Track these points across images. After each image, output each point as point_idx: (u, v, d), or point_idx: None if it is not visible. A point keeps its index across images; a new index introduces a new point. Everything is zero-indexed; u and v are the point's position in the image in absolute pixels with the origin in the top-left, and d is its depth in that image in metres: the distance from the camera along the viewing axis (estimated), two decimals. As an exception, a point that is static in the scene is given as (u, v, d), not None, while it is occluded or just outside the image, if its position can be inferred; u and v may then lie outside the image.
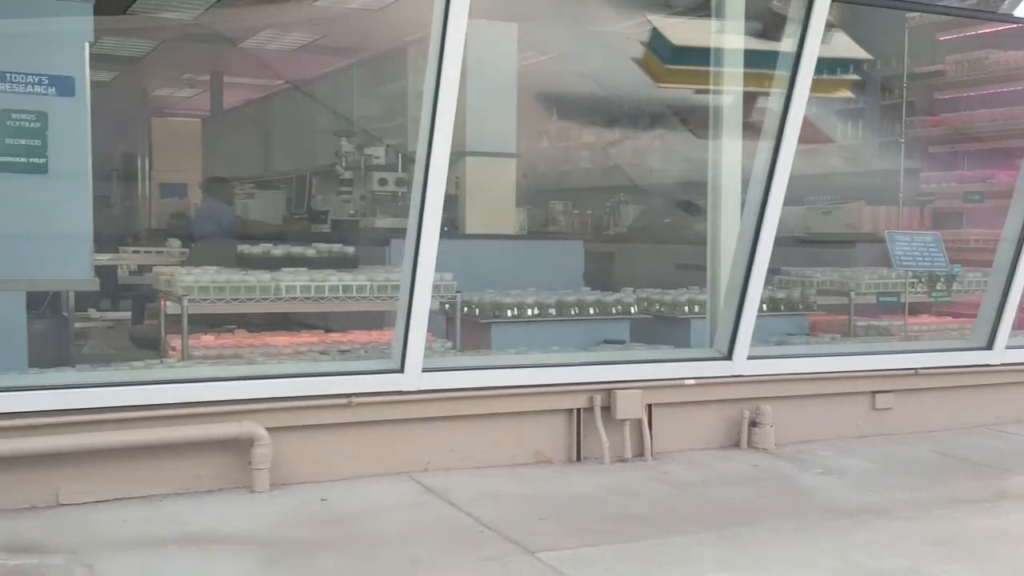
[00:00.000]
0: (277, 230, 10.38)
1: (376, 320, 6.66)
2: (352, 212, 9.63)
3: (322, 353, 5.93)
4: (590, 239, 9.37)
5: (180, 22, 10.95)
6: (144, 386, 5.03)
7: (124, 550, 4.20)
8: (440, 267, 5.46)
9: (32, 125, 5.15)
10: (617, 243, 10.01)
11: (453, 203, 8.75)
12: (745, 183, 6.08)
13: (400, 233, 8.35)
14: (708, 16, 7.31)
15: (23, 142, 5.13)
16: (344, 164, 9.63)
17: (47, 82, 5.22)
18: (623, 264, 9.17)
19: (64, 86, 5.29)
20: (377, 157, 9.19)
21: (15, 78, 5.10)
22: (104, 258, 7.88)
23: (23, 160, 5.11)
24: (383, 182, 8.85)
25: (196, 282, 5.81)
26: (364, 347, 6.06)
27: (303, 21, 11.01)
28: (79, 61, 5.37)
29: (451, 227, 8.62)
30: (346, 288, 6.05)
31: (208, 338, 6.12)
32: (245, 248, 6.58)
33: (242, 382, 5.16)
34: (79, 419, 4.80)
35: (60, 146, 5.25)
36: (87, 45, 5.43)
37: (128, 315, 8.67)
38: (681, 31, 8.43)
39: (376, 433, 5.34)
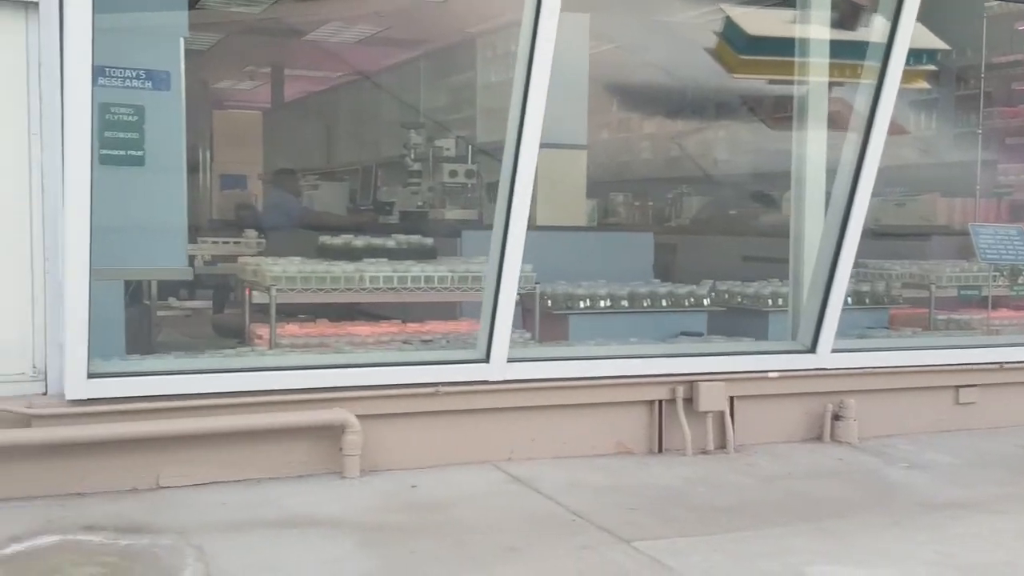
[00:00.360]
0: (344, 221, 10.51)
1: (450, 310, 6.77)
2: (420, 203, 9.73)
3: (405, 343, 6.07)
4: (656, 231, 9.40)
5: (249, 15, 11.14)
6: (238, 373, 5.20)
7: (227, 531, 4.32)
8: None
9: (130, 119, 5.31)
10: (680, 235, 10.02)
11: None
12: (829, 174, 6.11)
13: (470, 224, 8.52)
14: (784, 6, 7.35)
15: (122, 135, 5.29)
16: (412, 156, 9.73)
17: (144, 76, 5.39)
18: (686, 256, 9.20)
19: (160, 80, 5.45)
20: (447, 149, 9.26)
21: (114, 72, 5.25)
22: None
23: (122, 153, 5.28)
24: (453, 174, 8.93)
25: (284, 272, 5.96)
26: (446, 337, 6.18)
27: (369, 13, 11.15)
28: (175, 56, 5.55)
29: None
30: (427, 279, 6.17)
31: (292, 327, 6.28)
32: (326, 239, 6.72)
33: (333, 370, 5.30)
34: (178, 404, 4.96)
35: (156, 139, 5.41)
36: (182, 40, 5.60)
37: (203, 304, 8.86)
38: (756, 21, 8.45)
39: (461, 422, 5.44)
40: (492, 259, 5.46)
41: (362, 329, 6.35)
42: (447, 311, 6.76)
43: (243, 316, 6.53)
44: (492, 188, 9.13)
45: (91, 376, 4.81)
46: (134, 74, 5.32)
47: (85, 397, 4.80)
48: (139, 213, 5.36)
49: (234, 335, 6.73)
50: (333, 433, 5.16)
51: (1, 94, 4.90)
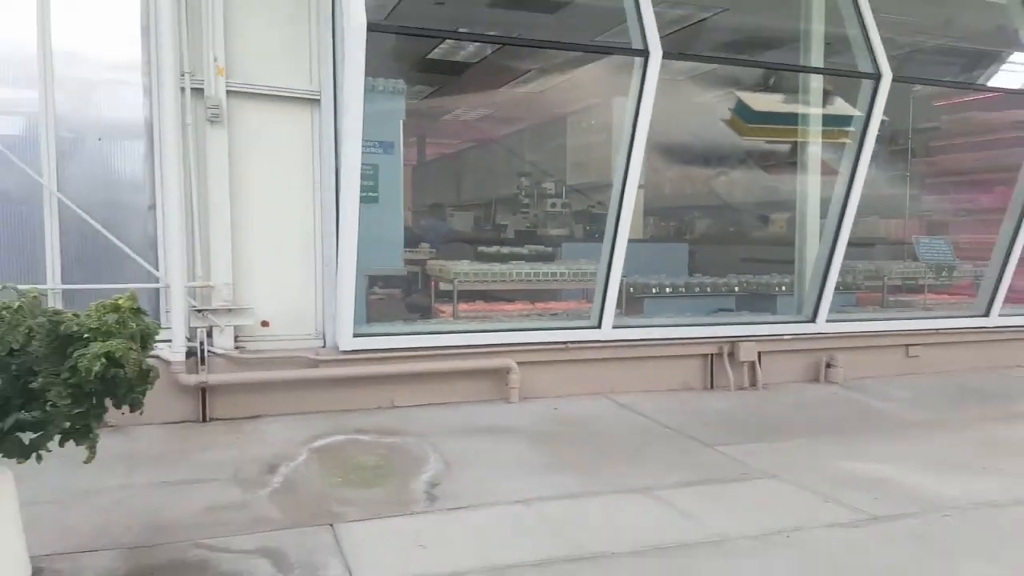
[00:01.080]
0: (474, 236, 10.63)
1: (562, 295, 6.79)
2: (527, 225, 9.83)
3: (539, 315, 6.16)
4: (687, 241, 9.37)
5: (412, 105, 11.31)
6: (441, 335, 5.36)
7: (446, 434, 4.48)
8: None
9: (370, 173, 5.50)
10: (698, 244, 9.93)
11: (602, 219, 8.93)
12: (822, 204, 6.10)
13: (564, 239, 8.60)
14: (776, 91, 7.31)
15: (365, 183, 5.46)
16: (523, 193, 9.86)
17: (378, 145, 5.59)
18: (703, 258, 9.15)
19: (388, 147, 5.64)
20: (549, 189, 9.38)
21: (367, 144, 5.42)
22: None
23: (366, 194, 5.45)
24: (553, 205, 9.05)
25: (463, 270, 6.10)
26: (565, 312, 6.26)
27: (489, 103, 11.30)
28: (397, 131, 5.73)
29: (600, 236, 8.79)
30: (553, 274, 6.26)
31: (463, 305, 6.41)
32: (483, 248, 6.84)
33: (500, 333, 5.43)
34: (404, 354, 5.15)
35: (385, 186, 5.61)
36: (401, 122, 5.77)
37: (390, 291, 9.01)
38: (760, 100, 8.42)
39: (581, 367, 5.54)
40: (603, 261, 5.54)
41: (507, 307, 6.45)
42: (559, 295, 6.79)
43: (429, 298, 6.66)
44: (577, 215, 9.25)
45: (355, 335, 5.02)
46: (374, 145, 5.50)
47: (350, 349, 5.01)
48: (376, 231, 5.55)
49: (421, 311, 6.85)
50: (501, 374, 5.32)
51: (298, 158, 5.13)
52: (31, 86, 4.73)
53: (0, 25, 4.70)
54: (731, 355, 5.76)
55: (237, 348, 4.96)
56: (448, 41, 8.65)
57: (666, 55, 5.21)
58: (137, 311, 2.45)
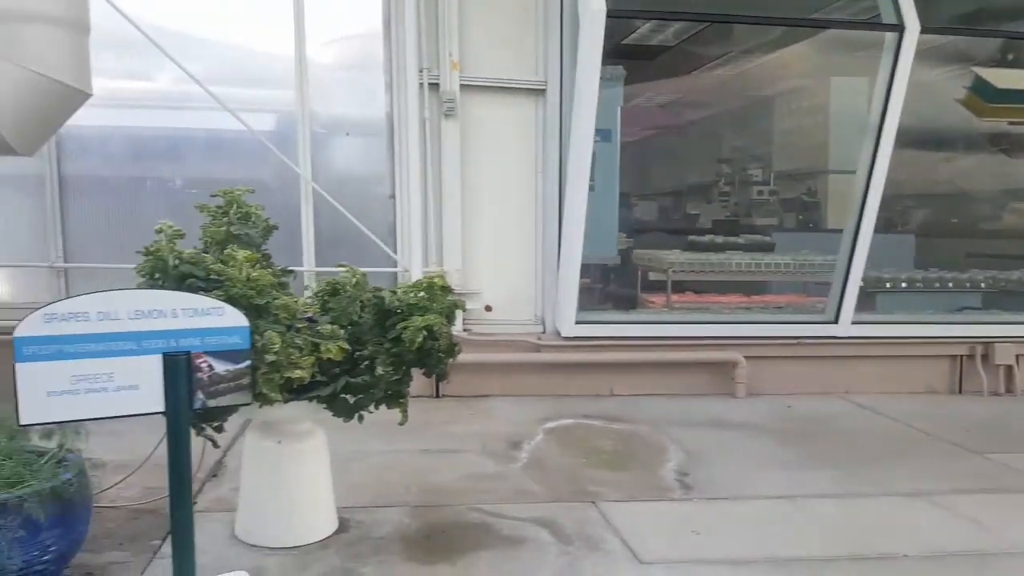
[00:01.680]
0: (673, 226, 10.41)
1: (768, 287, 6.57)
2: (728, 215, 9.57)
3: (761, 309, 5.99)
4: (901, 232, 8.67)
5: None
6: (663, 325, 5.38)
7: (675, 424, 4.47)
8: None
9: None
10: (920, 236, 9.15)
11: (815, 208, 8.53)
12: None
13: (772, 229, 8.27)
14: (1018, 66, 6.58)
15: (584, 172, 5.60)
16: (723, 182, 9.62)
17: (597, 134, 5.66)
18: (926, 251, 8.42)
19: (606, 135, 5.71)
20: (755, 175, 9.08)
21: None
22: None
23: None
24: (759, 192, 8.76)
25: (676, 259, 6.07)
26: (789, 306, 6.05)
27: (683, 87, 11.10)
28: (614, 119, 5.80)
29: (815, 225, 8.40)
30: (776, 265, 6.07)
31: (675, 296, 6.37)
32: (694, 238, 6.76)
33: (724, 326, 5.37)
34: (623, 343, 5.21)
35: (601, 175, 5.63)
36: (619, 108, 5.84)
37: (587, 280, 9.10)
38: (1003, 77, 7.65)
39: (813, 364, 5.33)
40: (842, 252, 5.31)
41: (721, 298, 6.31)
42: (773, 288, 6.55)
43: (633, 288, 6.66)
44: (785, 203, 8.88)
45: (577, 322, 5.17)
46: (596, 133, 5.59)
47: (572, 335, 5.16)
48: (591, 221, 5.64)
49: (627, 301, 6.85)
50: (723, 368, 5.24)
51: (522, 148, 5.35)
52: (288, 86, 5.30)
53: (261, 33, 5.32)
54: (984, 357, 5.31)
55: (465, 331, 5.28)
56: (645, 26, 8.61)
57: (925, 30, 4.87)
58: (446, 289, 2.70)
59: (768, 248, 6.53)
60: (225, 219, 2.89)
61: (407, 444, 3.99)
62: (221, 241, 2.81)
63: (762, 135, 9.62)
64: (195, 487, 3.21)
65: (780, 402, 5.06)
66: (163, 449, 2.27)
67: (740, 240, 6.61)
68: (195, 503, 3.15)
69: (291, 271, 3.00)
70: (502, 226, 5.35)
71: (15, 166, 4.85)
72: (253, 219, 2.93)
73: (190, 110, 5.18)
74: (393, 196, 5.32)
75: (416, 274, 5.11)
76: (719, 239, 6.58)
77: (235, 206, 2.94)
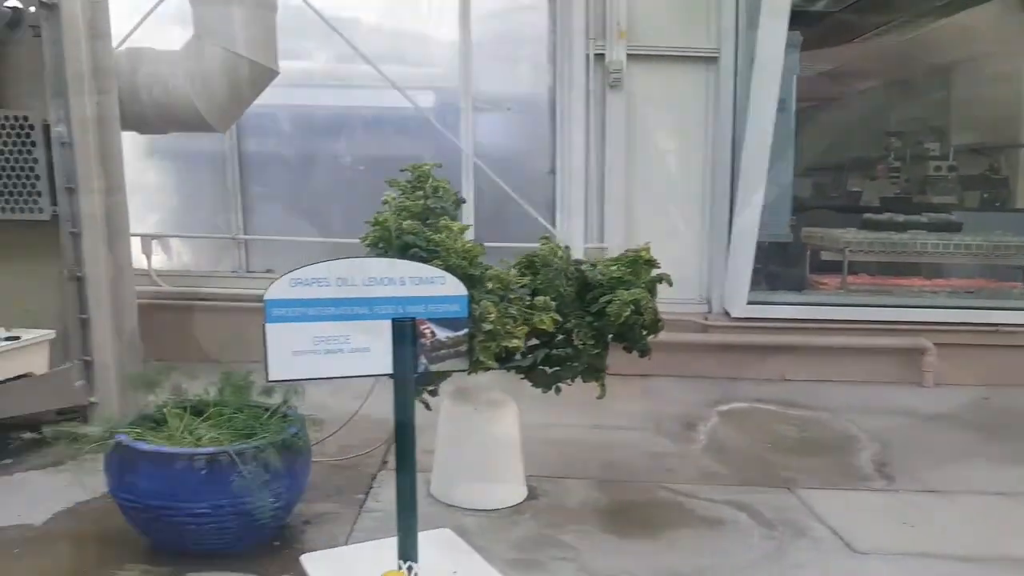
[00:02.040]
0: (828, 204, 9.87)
1: (951, 270, 6.09)
2: (896, 192, 8.95)
3: (949, 293, 5.58)
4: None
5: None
6: (841, 307, 5.13)
7: (860, 413, 4.24)
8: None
9: (762, 131, 5.39)
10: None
11: (1002, 185, 7.83)
12: None
13: (952, 207, 7.63)
14: None
15: (759, 143, 5.39)
16: (893, 156, 8.99)
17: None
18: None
19: (780, 106, 5.42)
20: (931, 150, 8.42)
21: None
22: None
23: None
24: (938, 168, 8.11)
25: (854, 238, 5.75)
26: (980, 290, 5.60)
27: (845, 55, 10.40)
28: (791, 88, 5.53)
29: (1002, 204, 7.72)
30: (967, 246, 5.62)
31: (850, 278, 6.05)
32: (871, 216, 6.36)
33: (913, 310, 5.05)
34: (795, 326, 5.01)
35: (775, 147, 5.42)
36: (795, 77, 5.57)
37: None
38: None
39: (1012, 354, 4.89)
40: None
41: (901, 281, 5.94)
42: (956, 271, 6.07)
43: (803, 268, 6.34)
44: (965, 180, 8.18)
45: (748, 303, 5.02)
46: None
47: (743, 316, 5.03)
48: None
49: (794, 281, 6.52)
50: (908, 354, 4.95)
51: (691, 119, 5.23)
52: (449, 64, 5.40)
53: (424, 10, 5.45)
54: None
55: (628, 308, 5.25)
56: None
57: None
58: (651, 263, 2.69)
59: (955, 228, 6.05)
60: (420, 192, 3.00)
61: (578, 419, 4.02)
62: (418, 214, 2.93)
63: (938, 106, 8.90)
64: (383, 448, 3.41)
65: (973, 393, 4.73)
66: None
67: (923, 219, 6.16)
68: (385, 462, 3.35)
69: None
70: (667, 201, 5.27)
71: (200, 144, 5.26)
72: (441, 192, 3.03)
73: (355, 88, 5.42)
74: (552, 171, 5.35)
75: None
76: (900, 218, 6.15)
77: (430, 180, 3.05)
